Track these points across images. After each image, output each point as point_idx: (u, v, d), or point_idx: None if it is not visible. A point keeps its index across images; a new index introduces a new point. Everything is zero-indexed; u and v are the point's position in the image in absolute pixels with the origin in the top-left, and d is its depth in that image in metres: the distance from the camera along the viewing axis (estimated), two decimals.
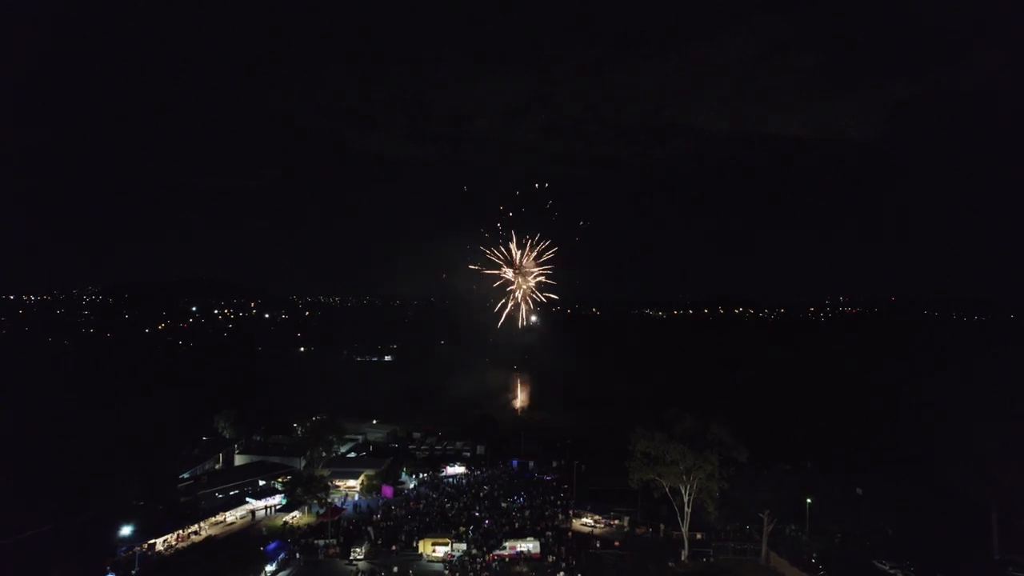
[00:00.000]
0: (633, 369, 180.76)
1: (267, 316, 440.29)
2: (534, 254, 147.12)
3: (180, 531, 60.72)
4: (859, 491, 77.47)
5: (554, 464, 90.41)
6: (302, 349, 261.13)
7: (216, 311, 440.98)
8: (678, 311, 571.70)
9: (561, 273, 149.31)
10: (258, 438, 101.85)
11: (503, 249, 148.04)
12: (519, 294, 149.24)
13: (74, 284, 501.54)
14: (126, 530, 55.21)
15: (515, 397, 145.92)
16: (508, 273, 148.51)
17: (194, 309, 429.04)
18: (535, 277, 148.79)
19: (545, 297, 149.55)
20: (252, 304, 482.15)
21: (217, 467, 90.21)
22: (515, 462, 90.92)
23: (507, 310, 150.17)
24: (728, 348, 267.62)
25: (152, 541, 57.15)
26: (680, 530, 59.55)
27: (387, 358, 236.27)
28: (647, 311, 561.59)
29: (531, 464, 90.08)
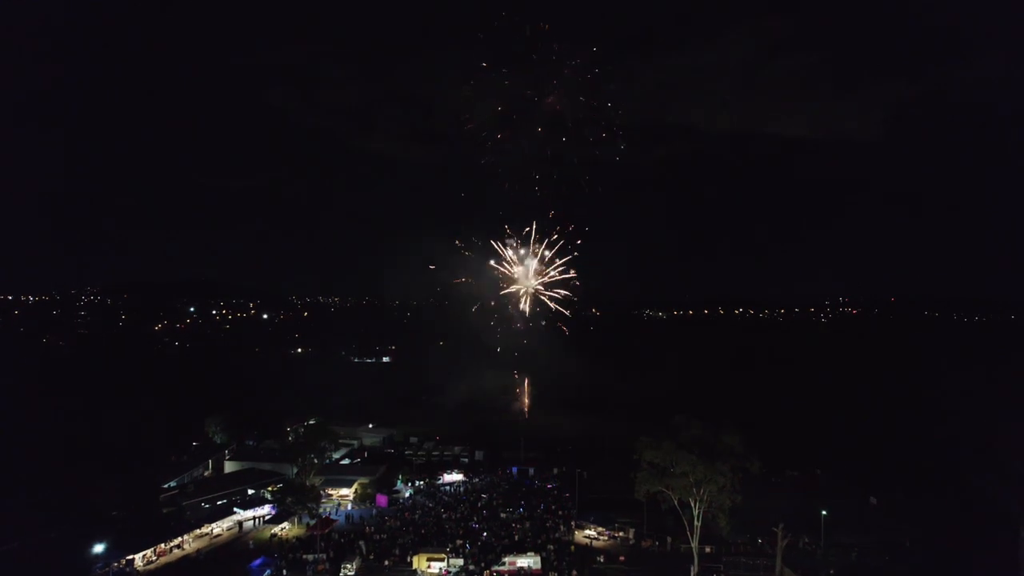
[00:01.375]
0: (636, 372, 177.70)
1: (265, 317, 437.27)
2: (534, 249, 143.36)
3: (162, 545, 57.61)
4: (873, 500, 74.49)
5: (555, 471, 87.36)
6: (299, 350, 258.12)
7: (214, 311, 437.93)
8: (678, 311, 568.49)
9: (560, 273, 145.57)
10: (251, 443, 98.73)
11: (504, 249, 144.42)
12: (521, 295, 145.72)
13: (73, 284, 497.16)
14: (99, 547, 51.83)
15: (515, 400, 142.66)
16: (511, 273, 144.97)
17: (192, 310, 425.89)
18: (539, 277, 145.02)
19: (549, 298, 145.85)
20: (251, 305, 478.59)
21: (207, 474, 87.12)
22: (515, 469, 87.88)
23: (508, 310, 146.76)
24: (731, 350, 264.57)
25: (130, 556, 54.00)
26: (689, 543, 56.44)
27: (385, 359, 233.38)
28: (647, 311, 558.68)
29: (531, 471, 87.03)
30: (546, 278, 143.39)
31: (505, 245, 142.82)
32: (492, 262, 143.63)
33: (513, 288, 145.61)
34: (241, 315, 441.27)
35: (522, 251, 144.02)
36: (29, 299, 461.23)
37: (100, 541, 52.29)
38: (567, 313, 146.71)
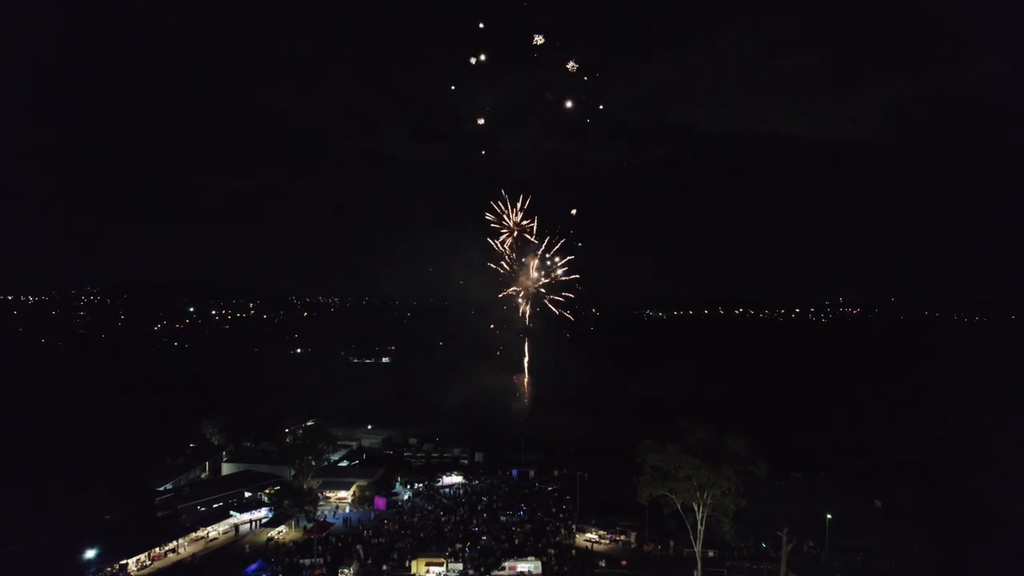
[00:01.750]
0: (636, 373, 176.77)
1: (265, 317, 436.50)
2: (534, 250, 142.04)
3: (156, 549, 56.66)
4: (877, 503, 73.56)
5: (556, 473, 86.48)
6: (299, 350, 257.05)
7: (214, 311, 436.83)
8: (678, 311, 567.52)
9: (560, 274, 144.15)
10: (248, 445, 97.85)
11: (505, 249, 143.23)
12: (521, 296, 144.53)
13: (73, 284, 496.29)
14: (91, 552, 50.89)
15: (515, 402, 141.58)
16: (511, 273, 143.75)
17: (192, 310, 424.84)
18: (542, 278, 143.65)
19: (552, 301, 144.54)
20: (251, 305, 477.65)
21: (203, 476, 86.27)
22: (515, 471, 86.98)
23: (509, 311, 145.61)
24: (733, 351, 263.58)
25: (124, 561, 53.07)
26: (692, 547, 55.51)
27: (384, 360, 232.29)
28: (647, 311, 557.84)
29: (531, 473, 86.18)
30: (549, 279, 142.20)
31: (507, 244, 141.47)
32: (491, 263, 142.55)
33: (513, 289, 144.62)
34: (241, 315, 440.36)
35: (522, 252, 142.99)
36: (29, 299, 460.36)
37: (92, 545, 51.45)
38: (568, 315, 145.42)
